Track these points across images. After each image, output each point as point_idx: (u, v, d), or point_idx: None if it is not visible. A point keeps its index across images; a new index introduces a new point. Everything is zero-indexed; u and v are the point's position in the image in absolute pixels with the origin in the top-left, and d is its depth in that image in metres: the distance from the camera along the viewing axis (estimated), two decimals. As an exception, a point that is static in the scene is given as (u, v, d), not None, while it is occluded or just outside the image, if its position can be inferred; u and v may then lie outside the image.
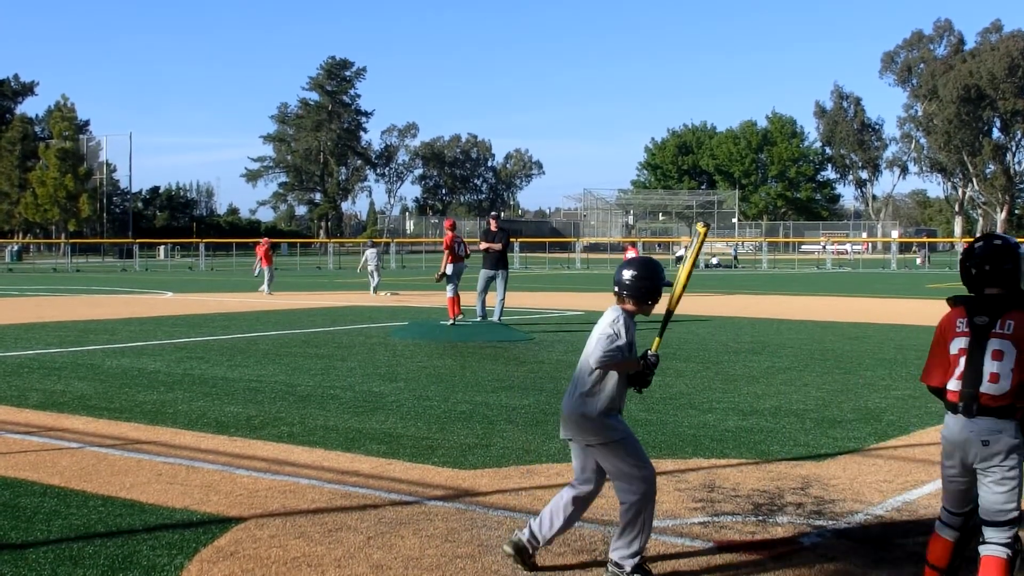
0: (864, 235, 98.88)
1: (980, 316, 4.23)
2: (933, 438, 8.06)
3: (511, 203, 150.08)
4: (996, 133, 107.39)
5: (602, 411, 4.76)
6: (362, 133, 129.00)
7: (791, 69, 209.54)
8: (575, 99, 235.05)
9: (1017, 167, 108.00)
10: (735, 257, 68.29)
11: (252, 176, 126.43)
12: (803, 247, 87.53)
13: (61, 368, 12.38)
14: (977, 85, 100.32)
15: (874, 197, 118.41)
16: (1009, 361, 4.12)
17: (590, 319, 20.20)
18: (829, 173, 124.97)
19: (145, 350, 14.51)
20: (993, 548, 4.19)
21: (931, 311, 21.67)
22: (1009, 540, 4.19)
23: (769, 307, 24.50)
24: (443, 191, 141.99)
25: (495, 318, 17.58)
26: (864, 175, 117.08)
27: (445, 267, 17.88)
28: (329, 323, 19.27)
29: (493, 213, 20.19)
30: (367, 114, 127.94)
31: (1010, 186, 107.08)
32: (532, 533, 4.95)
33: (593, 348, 4.72)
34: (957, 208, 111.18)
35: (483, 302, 17.75)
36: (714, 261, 60.61)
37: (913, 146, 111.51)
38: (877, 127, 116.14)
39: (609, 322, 4.78)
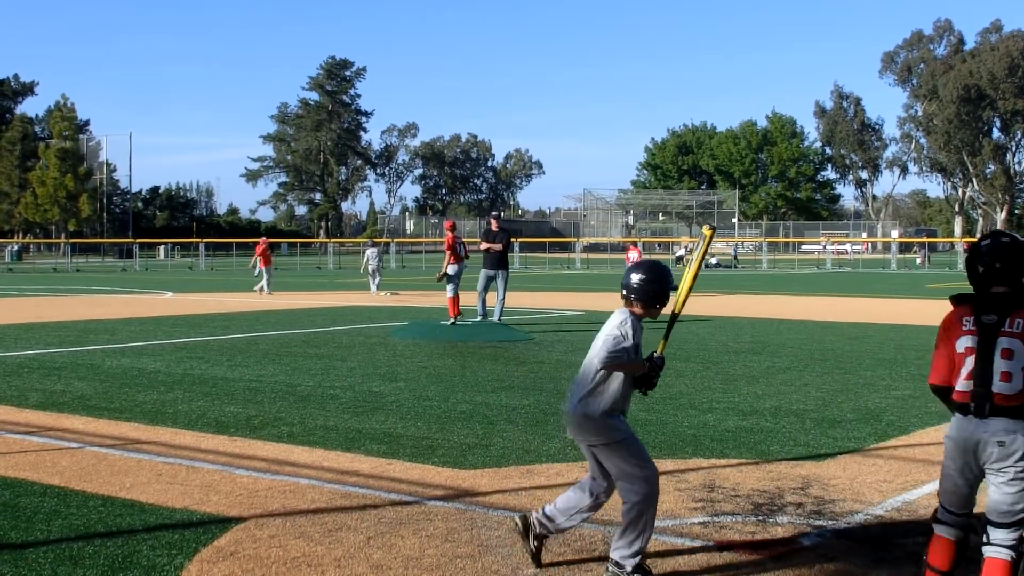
0: (864, 235, 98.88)
1: (988, 315, 4.16)
2: (933, 438, 8.06)
3: (511, 203, 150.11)
4: (996, 133, 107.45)
5: (604, 411, 4.77)
6: (362, 133, 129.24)
7: (791, 69, 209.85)
8: (575, 99, 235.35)
9: (1017, 167, 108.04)
10: (735, 257, 68.30)
11: (252, 176, 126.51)
12: (803, 247, 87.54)
13: (61, 368, 12.38)
14: (977, 85, 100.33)
15: (874, 197, 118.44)
16: (1020, 360, 4.07)
17: (590, 319, 20.27)
18: (829, 173, 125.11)
19: (145, 350, 14.51)
20: (998, 549, 4.14)
21: (931, 311, 21.67)
22: (1014, 542, 4.13)
23: (769, 307, 24.50)
24: (443, 191, 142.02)
25: (495, 318, 17.58)
26: (864, 175, 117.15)
27: (447, 267, 17.95)
28: (329, 323, 19.28)
29: (494, 213, 20.19)
30: (367, 114, 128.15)
31: (1010, 186, 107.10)
32: (546, 514, 5.01)
33: (599, 348, 4.74)
34: (957, 208, 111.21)
35: (483, 302, 17.76)
36: (713, 261, 60.59)
37: (913, 146, 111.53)
38: (877, 127, 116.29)
39: (616, 324, 4.80)
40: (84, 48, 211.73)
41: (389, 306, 24.68)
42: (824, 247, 68.41)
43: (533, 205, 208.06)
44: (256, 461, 7.28)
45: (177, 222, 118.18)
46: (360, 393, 10.43)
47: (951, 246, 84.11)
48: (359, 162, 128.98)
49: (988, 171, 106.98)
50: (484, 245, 17.88)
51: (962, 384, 4.18)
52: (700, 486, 6.59)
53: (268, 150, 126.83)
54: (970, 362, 4.17)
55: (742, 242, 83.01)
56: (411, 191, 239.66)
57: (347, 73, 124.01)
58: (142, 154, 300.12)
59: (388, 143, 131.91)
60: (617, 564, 4.77)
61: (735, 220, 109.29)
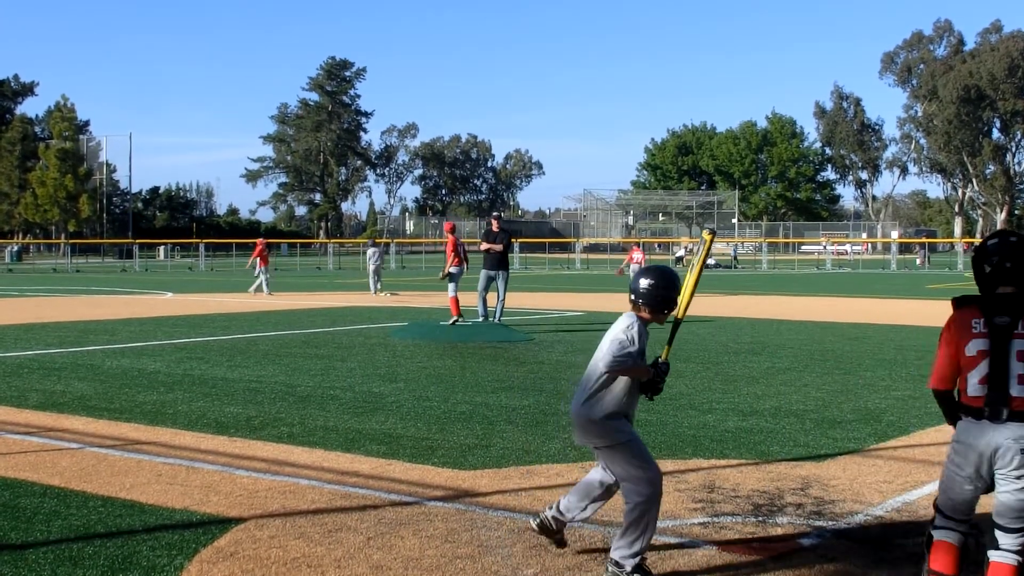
0: (864, 236, 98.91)
1: (1000, 316, 4.05)
2: (933, 439, 8.07)
3: (511, 203, 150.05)
4: (996, 133, 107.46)
5: (607, 414, 4.80)
6: (362, 133, 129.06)
7: (791, 69, 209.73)
8: (575, 99, 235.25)
9: (1017, 167, 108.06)
10: (734, 257, 68.32)
11: (252, 176, 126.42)
12: (803, 248, 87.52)
13: (61, 368, 12.38)
14: (977, 85, 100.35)
15: (874, 198, 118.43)
16: None
17: (590, 320, 20.28)
18: (829, 173, 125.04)
19: (145, 350, 14.51)
20: (1005, 554, 4.08)
21: (931, 312, 21.68)
22: (1021, 547, 4.07)
23: (769, 307, 24.50)
24: (443, 191, 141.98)
25: (495, 319, 17.59)
26: (864, 175, 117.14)
27: (449, 267, 18.05)
28: (329, 323, 19.28)
29: (495, 213, 20.20)
30: (367, 114, 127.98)
31: (1010, 186, 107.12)
32: (559, 510, 5.10)
33: (604, 352, 4.77)
34: (957, 209, 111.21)
35: (484, 302, 17.77)
36: (712, 262, 60.59)
37: (913, 146, 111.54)
38: (877, 127, 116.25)
39: (623, 328, 4.81)
40: (84, 48, 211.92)
41: (389, 306, 24.68)
42: (824, 248, 68.43)
43: (533, 205, 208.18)
44: (256, 462, 7.28)
45: (177, 222, 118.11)
46: (360, 394, 10.43)
47: (951, 247, 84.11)
48: (359, 162, 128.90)
49: (988, 172, 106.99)
50: (484, 245, 17.88)
51: (975, 388, 4.07)
52: (700, 486, 6.60)
53: (268, 150, 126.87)
54: (984, 366, 4.05)
55: (742, 242, 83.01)
56: (411, 191, 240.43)
57: (347, 73, 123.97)
58: (142, 154, 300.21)
59: (388, 143, 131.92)
60: (617, 564, 4.77)
61: (735, 220, 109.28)
